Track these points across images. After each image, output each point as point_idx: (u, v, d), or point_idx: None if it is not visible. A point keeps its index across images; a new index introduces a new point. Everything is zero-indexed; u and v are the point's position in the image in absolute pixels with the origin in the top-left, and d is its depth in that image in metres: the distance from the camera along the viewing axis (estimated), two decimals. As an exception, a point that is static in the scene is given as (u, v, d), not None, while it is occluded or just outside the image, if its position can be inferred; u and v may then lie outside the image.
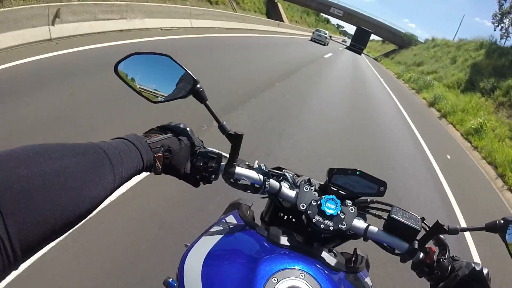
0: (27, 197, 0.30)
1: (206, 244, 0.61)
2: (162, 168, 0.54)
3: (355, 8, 39.86)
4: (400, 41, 35.99)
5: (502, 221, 0.60)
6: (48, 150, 0.35)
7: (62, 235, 0.35)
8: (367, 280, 0.67)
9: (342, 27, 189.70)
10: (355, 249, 0.72)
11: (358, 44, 35.28)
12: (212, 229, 0.66)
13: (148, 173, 0.54)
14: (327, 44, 26.82)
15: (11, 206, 0.28)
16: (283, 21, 29.08)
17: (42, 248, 0.33)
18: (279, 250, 0.58)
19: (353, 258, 0.69)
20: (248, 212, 0.71)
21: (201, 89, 0.59)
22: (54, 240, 0.34)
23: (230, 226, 0.66)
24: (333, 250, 0.63)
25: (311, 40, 26.24)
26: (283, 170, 0.71)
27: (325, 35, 26.38)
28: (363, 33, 35.56)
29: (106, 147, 0.43)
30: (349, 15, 38.27)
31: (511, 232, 0.61)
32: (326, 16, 52.69)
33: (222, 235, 0.63)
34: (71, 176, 0.35)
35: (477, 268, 0.58)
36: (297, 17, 41.86)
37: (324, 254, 0.59)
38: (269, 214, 0.73)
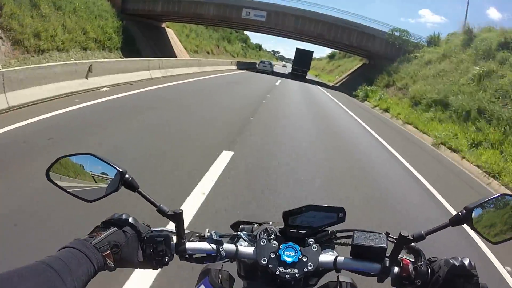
0: None
1: None
2: (114, 264, 0.55)
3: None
4: (380, 48, 19.95)
5: (464, 211, 0.60)
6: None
7: None
8: None
9: (278, 52, 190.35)
10: (337, 277, 0.70)
11: (300, 67, 32.62)
12: None
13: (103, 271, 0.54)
14: (272, 72, 28.90)
15: None
16: (175, 56, 20.69)
17: None
18: None
19: (338, 287, 0.67)
20: (220, 275, 0.69)
21: (130, 178, 0.60)
22: None
23: None
24: None
25: (258, 71, 27.20)
26: (240, 227, 0.70)
27: (270, 64, 29.72)
28: (303, 55, 32.58)
29: (53, 262, 0.43)
30: (276, 15, 20.67)
31: (477, 218, 0.62)
32: (246, 31, 41.60)
33: None
34: None
35: (456, 263, 0.57)
36: (210, 45, 31.52)
37: None
38: (242, 270, 0.71)
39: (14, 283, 0.37)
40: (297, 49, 33.36)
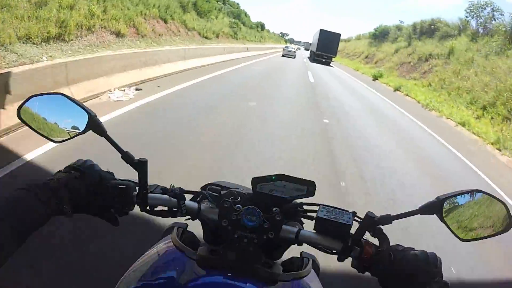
0: None
1: (135, 276, 0.59)
2: (71, 209, 0.54)
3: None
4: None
5: (435, 201, 0.58)
6: None
7: None
8: (314, 283, 0.65)
9: (287, 34, 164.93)
10: (301, 253, 0.70)
11: (324, 53, 27.66)
12: (143, 259, 0.64)
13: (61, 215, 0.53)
14: (295, 56, 30.82)
15: None
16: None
17: None
18: (208, 273, 0.56)
19: (300, 263, 0.67)
20: (184, 234, 0.68)
21: (98, 122, 0.59)
22: None
23: (160, 254, 0.63)
24: (269, 261, 0.60)
25: (282, 56, 29.45)
26: (207, 188, 0.69)
27: (293, 50, 31.99)
28: (328, 38, 27.50)
29: None
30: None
31: (448, 210, 0.61)
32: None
33: (151, 265, 0.61)
34: None
35: (421, 256, 0.55)
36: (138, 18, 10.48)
37: (257, 268, 0.57)
38: (207, 233, 0.71)
39: None
40: (321, 31, 28.36)
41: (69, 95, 0.64)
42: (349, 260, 0.62)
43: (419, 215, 0.59)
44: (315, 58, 28.69)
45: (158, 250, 0.65)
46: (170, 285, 0.55)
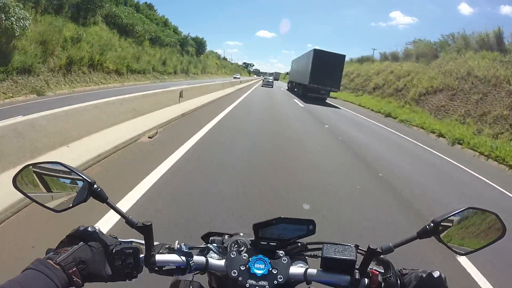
0: None
1: None
2: (82, 280, 0.54)
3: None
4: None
5: (432, 224, 0.61)
6: None
7: None
8: None
9: (251, 65, 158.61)
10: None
11: (321, 85, 19.24)
12: None
13: None
14: (273, 86, 35.86)
15: None
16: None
17: None
18: None
19: None
20: (191, 286, 0.69)
21: (99, 189, 0.59)
22: None
23: None
24: None
25: (262, 86, 34.06)
26: (210, 238, 0.70)
27: (271, 80, 38.14)
28: (329, 61, 19.18)
29: (11, 287, 0.44)
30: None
31: (444, 231, 0.64)
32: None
33: None
34: None
35: (426, 276, 0.58)
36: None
37: None
38: (213, 282, 0.71)
39: None
40: (316, 52, 19.82)
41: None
42: None
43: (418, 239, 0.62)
44: (306, 93, 20.52)
45: None
46: None
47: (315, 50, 20.19)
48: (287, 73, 43.40)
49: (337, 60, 19.52)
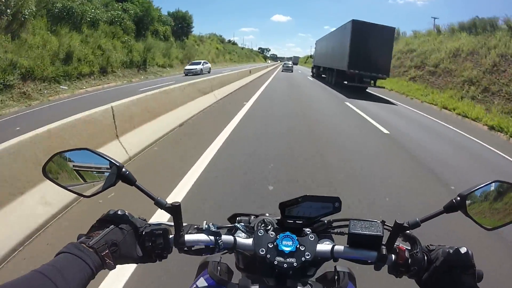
0: None
1: None
2: (114, 262, 0.55)
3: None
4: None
5: (458, 198, 0.60)
6: None
7: None
8: None
9: (268, 49, 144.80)
10: (335, 267, 0.71)
11: (364, 71, 13.72)
12: None
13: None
14: (292, 71, 36.66)
15: None
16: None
17: None
18: None
19: (336, 277, 0.68)
20: (219, 267, 0.70)
21: (127, 173, 0.60)
22: None
23: None
24: (309, 281, 0.62)
25: (282, 71, 34.92)
26: (237, 219, 0.70)
27: (291, 65, 38.58)
28: (374, 38, 13.56)
29: (46, 270, 0.45)
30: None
31: (471, 205, 0.63)
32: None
33: None
34: None
35: (454, 252, 0.57)
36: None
37: None
38: (241, 262, 0.72)
39: None
40: (355, 23, 13.93)
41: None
42: (384, 268, 0.64)
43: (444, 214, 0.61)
44: (341, 82, 15.45)
45: (200, 287, 0.65)
46: None
47: (353, 21, 13.97)
48: (310, 56, 40.25)
49: (384, 34, 13.50)
